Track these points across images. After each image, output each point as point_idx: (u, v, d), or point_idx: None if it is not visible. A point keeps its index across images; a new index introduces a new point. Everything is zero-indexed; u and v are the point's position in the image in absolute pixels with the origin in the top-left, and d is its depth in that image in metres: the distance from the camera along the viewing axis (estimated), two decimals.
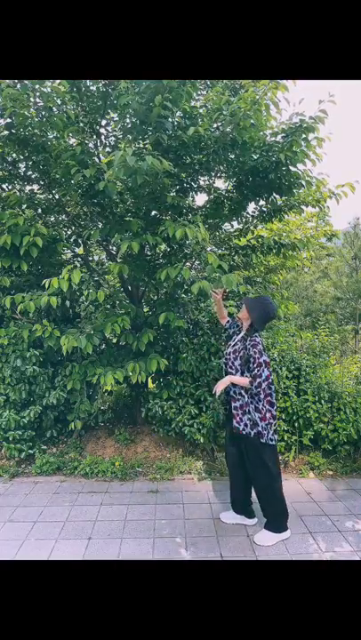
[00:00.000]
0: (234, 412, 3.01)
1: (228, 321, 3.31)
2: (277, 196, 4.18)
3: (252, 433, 2.92)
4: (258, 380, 2.86)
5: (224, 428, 4.16)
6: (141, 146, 3.46)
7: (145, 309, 4.85)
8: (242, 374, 2.93)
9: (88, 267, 4.81)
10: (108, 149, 4.35)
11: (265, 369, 2.86)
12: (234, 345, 3.04)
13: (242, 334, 3.03)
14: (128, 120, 3.86)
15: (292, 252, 4.96)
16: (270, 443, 2.90)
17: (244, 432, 2.96)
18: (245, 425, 2.96)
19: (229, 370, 3.01)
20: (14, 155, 4.03)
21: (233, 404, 3.02)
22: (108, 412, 4.65)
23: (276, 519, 3.02)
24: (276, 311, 3.05)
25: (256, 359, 2.86)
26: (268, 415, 2.89)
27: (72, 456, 4.20)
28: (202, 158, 3.68)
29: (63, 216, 4.68)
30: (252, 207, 4.56)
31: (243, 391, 2.96)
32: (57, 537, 3.06)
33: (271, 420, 2.91)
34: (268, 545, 2.96)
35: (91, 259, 5.16)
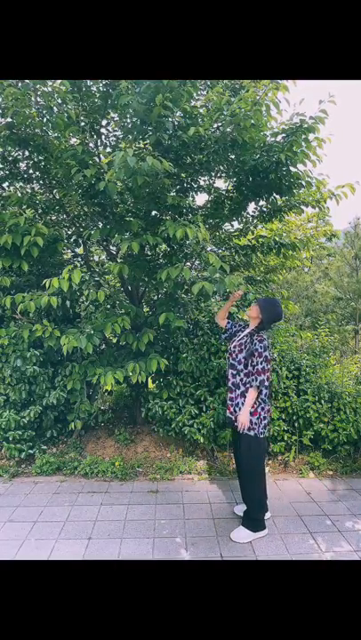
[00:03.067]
0: (228, 402, 3.13)
1: (228, 322, 3.38)
2: (277, 197, 4.18)
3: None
4: (263, 375, 2.95)
5: (224, 427, 4.17)
6: (142, 146, 3.45)
7: (145, 309, 4.85)
8: (245, 367, 3.03)
9: (88, 267, 4.81)
10: (108, 149, 4.34)
11: (266, 364, 2.98)
12: (240, 339, 3.13)
13: (249, 330, 3.13)
14: (128, 120, 3.86)
15: (292, 252, 4.97)
16: (259, 436, 2.98)
17: (235, 424, 3.06)
18: (235, 416, 3.06)
19: (232, 362, 3.10)
20: (15, 154, 4.03)
21: (228, 395, 3.14)
22: (108, 412, 4.65)
23: (254, 516, 3.07)
24: (283, 313, 3.22)
25: (261, 353, 2.96)
26: (259, 409, 2.99)
27: (72, 456, 4.20)
28: (202, 158, 3.68)
29: (63, 216, 4.68)
30: (252, 207, 4.57)
31: (240, 383, 3.06)
32: (57, 537, 3.06)
33: (263, 414, 3.01)
34: (243, 542, 3.00)
35: (91, 259, 5.16)
